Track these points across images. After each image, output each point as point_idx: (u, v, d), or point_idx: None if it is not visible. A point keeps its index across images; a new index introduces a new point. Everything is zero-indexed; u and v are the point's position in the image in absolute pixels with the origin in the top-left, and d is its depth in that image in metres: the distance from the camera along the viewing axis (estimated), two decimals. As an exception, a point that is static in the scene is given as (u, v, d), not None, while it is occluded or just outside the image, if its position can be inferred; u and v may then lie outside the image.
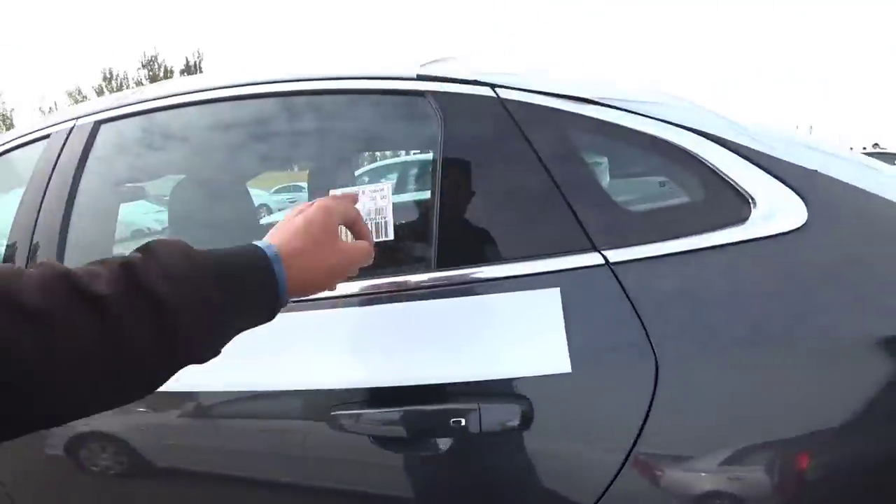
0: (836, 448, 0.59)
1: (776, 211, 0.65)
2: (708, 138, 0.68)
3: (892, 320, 0.60)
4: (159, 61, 23.71)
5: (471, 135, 0.73)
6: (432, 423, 0.63)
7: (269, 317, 0.46)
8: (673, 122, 0.69)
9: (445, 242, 0.71)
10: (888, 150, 13.66)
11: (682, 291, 0.63)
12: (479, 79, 0.75)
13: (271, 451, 0.74)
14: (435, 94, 0.76)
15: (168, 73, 23.90)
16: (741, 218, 0.65)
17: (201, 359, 0.41)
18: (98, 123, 1.03)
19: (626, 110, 0.70)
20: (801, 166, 0.68)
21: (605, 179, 0.86)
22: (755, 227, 0.64)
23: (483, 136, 0.73)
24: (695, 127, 0.69)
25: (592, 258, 0.64)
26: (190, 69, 24.30)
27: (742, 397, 0.60)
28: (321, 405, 0.68)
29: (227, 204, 1.20)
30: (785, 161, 0.68)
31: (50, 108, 22.08)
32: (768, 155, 0.68)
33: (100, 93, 23.22)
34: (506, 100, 0.72)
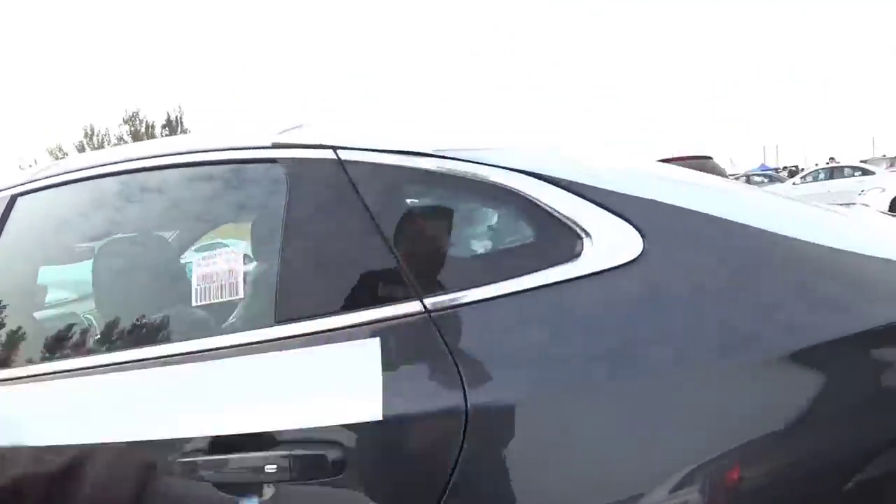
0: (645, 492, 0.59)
1: (611, 244, 0.66)
2: (541, 179, 0.71)
3: (731, 348, 0.61)
4: (140, 117, 24.09)
5: (312, 196, 0.78)
6: (252, 470, 0.65)
7: None
8: (507, 166, 0.72)
9: (283, 299, 0.74)
10: (840, 164, 14.19)
11: (504, 334, 0.64)
12: (322, 143, 0.80)
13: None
14: (285, 160, 0.81)
15: (150, 129, 24.21)
16: (575, 254, 0.66)
17: None
18: (14, 197, 1.07)
19: (461, 159, 0.73)
20: (638, 197, 0.69)
21: (475, 226, 0.89)
22: (589, 261, 0.65)
23: (322, 196, 0.77)
24: (529, 169, 0.71)
25: (413, 307, 0.67)
26: (171, 124, 24.65)
27: (562, 442, 0.60)
28: (167, 454, 0.70)
29: (132, 265, 1.23)
30: (621, 194, 0.69)
31: (30, 166, 22.11)
32: (604, 189, 0.69)
33: (81, 149, 23.35)
34: (345, 160, 0.77)
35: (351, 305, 0.70)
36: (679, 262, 0.66)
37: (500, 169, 0.72)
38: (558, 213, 0.69)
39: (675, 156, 8.48)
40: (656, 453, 0.60)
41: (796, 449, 0.59)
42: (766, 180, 18.27)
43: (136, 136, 23.71)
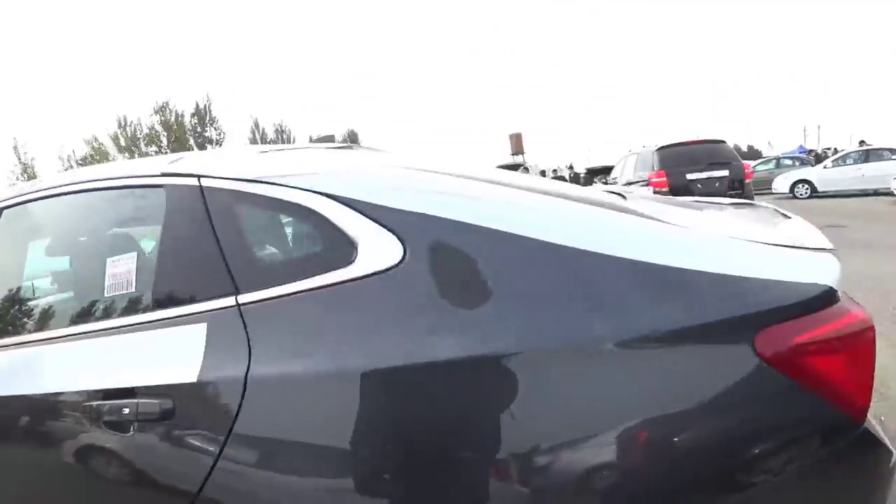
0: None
1: (377, 252, 0.81)
2: (328, 197, 0.88)
3: (492, 342, 0.72)
4: (170, 107, 24.97)
5: (179, 214, 1.02)
6: (118, 412, 0.90)
7: None
8: (305, 188, 0.90)
9: (154, 293, 0.99)
10: (875, 147, 13.52)
11: (286, 324, 0.83)
12: (191, 172, 1.03)
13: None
14: (167, 185, 1.05)
15: (178, 118, 25.09)
16: (349, 261, 0.83)
17: None
18: (1, 209, 1.34)
19: (275, 184, 0.94)
20: (406, 211, 0.82)
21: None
22: (358, 267, 0.82)
23: (185, 214, 1.01)
24: (321, 190, 0.89)
25: (229, 301, 0.90)
26: (200, 113, 25.48)
27: (321, 423, 0.76)
28: (78, 402, 0.96)
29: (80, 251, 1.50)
30: (391, 208, 0.83)
31: (69, 157, 23.30)
32: (378, 205, 0.84)
33: (115, 139, 24.42)
34: (204, 186, 1.00)
35: (196, 298, 0.94)
36: (433, 266, 0.79)
37: (301, 190, 0.91)
38: (338, 225, 0.86)
39: (691, 140, 8.53)
40: (385, 444, 0.75)
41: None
42: (796, 163, 17.62)
43: (166, 126, 24.65)
